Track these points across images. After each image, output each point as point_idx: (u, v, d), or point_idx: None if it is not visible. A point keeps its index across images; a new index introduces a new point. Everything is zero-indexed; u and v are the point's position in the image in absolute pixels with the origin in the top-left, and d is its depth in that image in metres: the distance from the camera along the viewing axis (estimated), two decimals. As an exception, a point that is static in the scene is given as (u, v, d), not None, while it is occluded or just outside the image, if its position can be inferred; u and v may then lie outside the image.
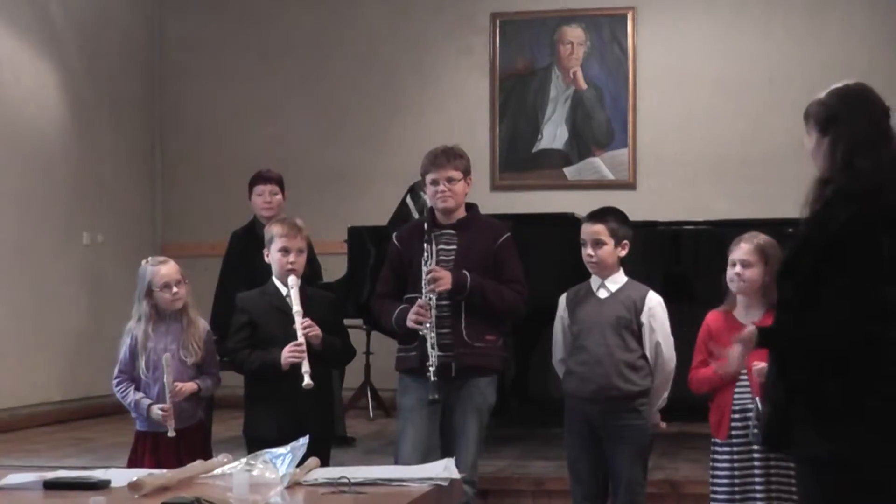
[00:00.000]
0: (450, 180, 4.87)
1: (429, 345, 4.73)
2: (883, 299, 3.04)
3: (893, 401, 3.05)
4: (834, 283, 3.05)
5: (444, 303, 4.81)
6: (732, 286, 4.53)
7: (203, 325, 5.01)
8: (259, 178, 6.49)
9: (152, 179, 10.05)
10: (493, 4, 9.51)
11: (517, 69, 9.47)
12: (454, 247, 4.89)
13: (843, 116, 3.21)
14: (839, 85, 3.30)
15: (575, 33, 9.39)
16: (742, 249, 4.52)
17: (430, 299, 4.76)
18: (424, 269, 4.79)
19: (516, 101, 9.47)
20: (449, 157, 4.89)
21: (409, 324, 4.78)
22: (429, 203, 5.05)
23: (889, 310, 3.04)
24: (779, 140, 9.03)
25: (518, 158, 9.45)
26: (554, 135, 9.40)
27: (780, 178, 8.95)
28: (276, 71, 9.82)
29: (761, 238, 4.57)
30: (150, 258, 5.03)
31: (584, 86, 9.37)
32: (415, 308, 4.78)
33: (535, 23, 9.45)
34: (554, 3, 9.38)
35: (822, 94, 3.29)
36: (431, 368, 4.71)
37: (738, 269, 4.49)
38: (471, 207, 5.03)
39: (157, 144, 10.09)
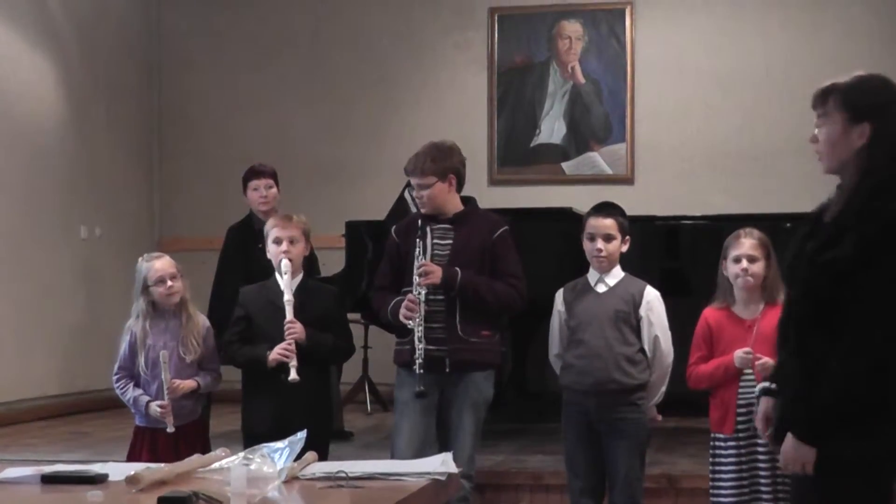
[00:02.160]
0: (423, 187, 4.89)
1: (416, 338, 4.74)
2: None
3: None
4: (875, 285, 2.87)
5: (438, 297, 4.81)
6: (738, 282, 4.52)
7: (203, 320, 5.00)
8: (253, 173, 6.48)
9: (150, 173, 10.05)
10: (491, -1, 9.51)
11: (515, 64, 9.47)
12: (450, 241, 4.89)
13: (887, 111, 2.98)
14: (868, 74, 3.08)
15: (573, 28, 9.39)
16: (746, 244, 4.52)
17: (419, 293, 4.76)
18: (416, 262, 4.80)
19: (514, 95, 9.47)
20: (417, 163, 4.88)
21: (400, 318, 4.80)
22: None
23: None
24: (776, 134, 9.04)
25: (516, 153, 9.44)
26: (552, 129, 9.39)
27: (778, 173, 8.97)
28: (274, 65, 9.81)
29: (759, 232, 4.58)
30: (145, 255, 5.04)
31: (582, 80, 9.37)
32: (405, 302, 4.79)
33: (533, 17, 9.44)
34: (552, -3, 9.39)
35: (851, 80, 3.05)
36: (418, 361, 4.72)
37: (744, 264, 4.49)
38: (468, 201, 5.02)
39: (154, 138, 10.08)
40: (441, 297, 4.81)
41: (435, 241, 4.87)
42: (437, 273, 4.77)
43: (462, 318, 4.82)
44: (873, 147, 2.97)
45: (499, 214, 5.23)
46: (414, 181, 4.92)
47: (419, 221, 4.91)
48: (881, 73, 3.13)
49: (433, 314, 4.79)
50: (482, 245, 4.89)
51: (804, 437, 2.96)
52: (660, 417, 4.85)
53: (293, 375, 4.70)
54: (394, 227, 5.11)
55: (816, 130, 3.08)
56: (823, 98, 3.06)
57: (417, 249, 4.82)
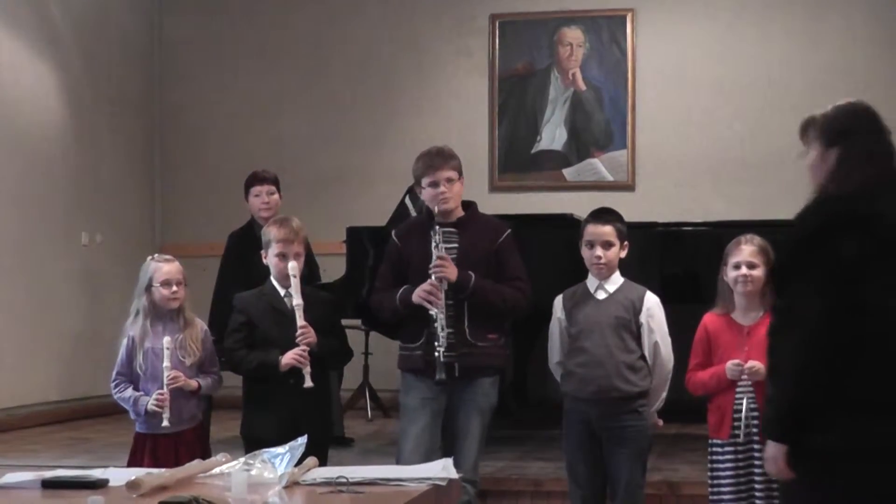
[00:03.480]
0: (449, 181, 4.85)
1: (438, 325, 4.70)
2: (849, 299, 3.09)
3: (867, 404, 3.11)
4: (800, 286, 3.14)
5: (447, 302, 4.79)
6: (738, 287, 4.53)
7: (200, 325, 5.00)
8: (255, 179, 6.49)
9: (151, 180, 10.06)
10: (492, 6, 9.52)
11: (516, 70, 9.48)
12: (455, 244, 4.87)
13: (854, 130, 3.27)
14: (844, 102, 3.38)
15: (574, 35, 9.40)
16: (746, 251, 4.53)
17: (441, 280, 4.73)
18: (435, 252, 4.75)
19: (515, 102, 9.48)
20: (445, 158, 4.87)
21: (416, 298, 4.74)
22: (428, 205, 5.02)
23: (860, 308, 3.10)
24: (777, 142, 9.02)
25: (517, 160, 9.45)
26: (553, 136, 9.40)
27: (779, 180, 8.96)
28: (275, 71, 9.82)
29: (759, 239, 4.59)
30: (156, 255, 5.07)
31: (583, 87, 9.38)
32: (425, 285, 4.73)
33: (535, 24, 9.45)
34: (553, 4, 9.39)
35: (827, 110, 3.36)
36: (440, 349, 4.68)
37: (744, 270, 4.51)
38: (469, 205, 5.01)
39: (156, 145, 10.09)
40: (449, 302, 4.80)
41: (441, 244, 4.86)
42: (453, 271, 4.75)
43: (470, 322, 4.81)
44: (840, 168, 3.26)
45: (500, 218, 5.22)
46: (439, 176, 4.82)
47: (430, 223, 4.87)
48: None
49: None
50: (488, 249, 4.89)
51: (771, 434, 3.21)
52: (661, 423, 4.84)
53: (308, 382, 4.70)
54: (394, 231, 5.10)
55: (806, 158, 3.41)
56: (805, 129, 3.39)
57: (436, 238, 4.76)
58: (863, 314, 3.08)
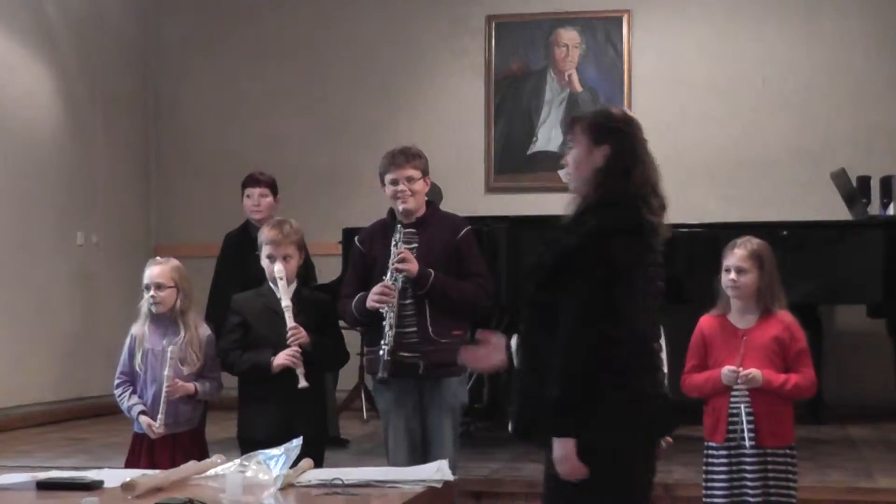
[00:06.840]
0: (409, 180, 4.86)
1: (386, 324, 4.71)
2: (613, 302, 3.24)
3: (624, 393, 3.26)
4: (571, 287, 3.25)
5: (408, 301, 4.78)
6: (728, 292, 4.56)
7: (204, 330, 4.99)
8: (250, 181, 6.51)
9: (146, 180, 10.05)
10: (488, 6, 9.53)
11: (512, 71, 9.49)
12: (415, 245, 4.86)
13: (622, 134, 3.41)
14: (611, 107, 3.60)
15: (570, 36, 9.40)
16: (736, 255, 4.54)
17: (395, 280, 4.74)
18: (394, 250, 4.76)
19: (511, 103, 9.48)
20: (408, 157, 4.89)
21: (370, 304, 4.75)
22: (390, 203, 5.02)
23: (619, 311, 3.24)
24: (772, 142, 9.06)
25: (513, 160, 9.45)
26: (549, 137, 9.41)
27: (774, 181, 8.99)
28: (271, 72, 9.82)
29: (755, 242, 4.59)
30: (157, 258, 5.09)
31: (579, 88, 9.38)
32: (378, 287, 4.73)
33: (530, 25, 9.46)
34: (549, 5, 9.40)
35: (594, 110, 3.57)
36: (386, 347, 4.69)
37: (732, 275, 4.53)
38: (429, 205, 5.02)
39: (151, 145, 10.09)
40: (410, 301, 4.79)
41: (401, 242, 4.84)
42: (414, 265, 4.75)
43: (433, 319, 4.79)
44: (609, 165, 3.39)
45: (496, 221, 5.21)
46: (400, 174, 4.86)
47: (388, 225, 4.90)
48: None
49: (403, 319, 4.77)
50: (447, 246, 4.88)
51: (557, 433, 3.24)
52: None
53: (303, 383, 4.71)
54: (357, 236, 5.10)
55: (567, 155, 3.55)
56: (572, 126, 3.52)
57: (396, 237, 4.78)
58: (618, 316, 3.22)
